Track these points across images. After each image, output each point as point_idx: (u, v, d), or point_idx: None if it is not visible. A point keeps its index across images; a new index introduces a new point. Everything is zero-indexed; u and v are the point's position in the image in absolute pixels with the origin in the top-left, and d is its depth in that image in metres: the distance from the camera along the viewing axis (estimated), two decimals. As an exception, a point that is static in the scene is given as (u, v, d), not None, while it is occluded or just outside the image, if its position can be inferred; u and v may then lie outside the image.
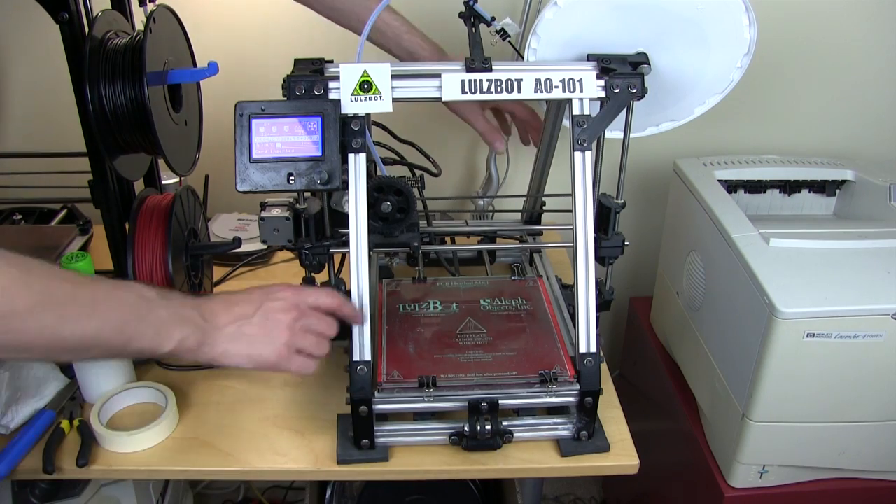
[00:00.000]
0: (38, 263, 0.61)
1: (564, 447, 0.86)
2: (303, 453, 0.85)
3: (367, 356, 0.80)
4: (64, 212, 1.24)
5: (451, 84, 0.82)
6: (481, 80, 0.83)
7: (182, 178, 1.13)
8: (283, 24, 1.28)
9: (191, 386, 0.95)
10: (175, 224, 0.94)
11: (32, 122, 1.34)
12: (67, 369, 0.93)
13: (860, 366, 0.93)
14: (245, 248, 1.11)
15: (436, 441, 0.85)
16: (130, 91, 0.86)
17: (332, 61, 0.83)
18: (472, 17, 0.89)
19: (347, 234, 0.86)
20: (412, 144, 1.12)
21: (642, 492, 1.44)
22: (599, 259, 0.90)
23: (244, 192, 0.77)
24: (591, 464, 0.85)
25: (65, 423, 0.86)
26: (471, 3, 0.89)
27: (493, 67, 0.83)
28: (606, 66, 0.84)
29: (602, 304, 0.95)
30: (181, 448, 0.86)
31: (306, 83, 0.79)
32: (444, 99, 0.83)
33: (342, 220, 0.87)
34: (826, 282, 0.93)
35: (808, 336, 0.90)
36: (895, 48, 1.34)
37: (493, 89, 0.83)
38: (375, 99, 0.80)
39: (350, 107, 0.80)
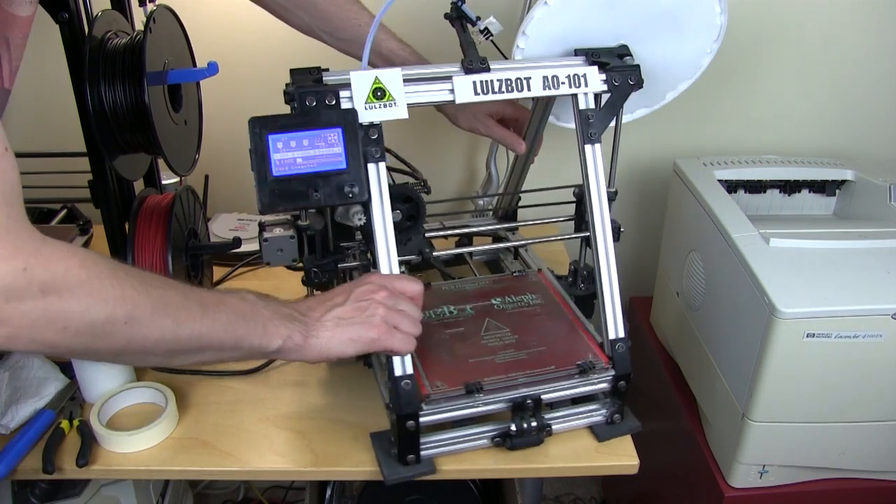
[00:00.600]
0: (148, 273, 0.63)
1: (600, 432, 0.87)
2: (303, 453, 0.85)
3: (410, 369, 0.78)
4: (64, 212, 1.24)
5: (464, 86, 0.82)
6: (492, 81, 0.82)
7: (182, 178, 1.13)
8: (282, 24, 1.28)
9: (191, 386, 0.95)
10: (175, 224, 0.94)
11: (32, 122, 1.34)
12: (67, 369, 0.93)
13: (860, 366, 0.93)
14: (245, 248, 1.11)
15: (479, 445, 0.85)
16: (130, 91, 0.86)
17: (327, 70, 0.81)
18: (459, 17, 0.88)
19: (353, 248, 0.85)
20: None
21: (642, 492, 1.44)
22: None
23: (268, 213, 0.76)
24: (591, 464, 0.85)
25: (65, 423, 0.86)
26: (458, 3, 0.88)
27: (491, 67, 0.83)
28: (597, 59, 0.87)
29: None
30: (181, 448, 0.86)
31: (317, 94, 0.76)
32: (457, 101, 0.82)
33: (345, 233, 0.86)
34: (826, 282, 0.93)
35: (808, 336, 0.90)
36: (895, 48, 1.34)
37: (504, 88, 0.83)
38: (390, 106, 0.78)
39: (365, 115, 0.77)
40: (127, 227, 0.94)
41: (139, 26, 0.91)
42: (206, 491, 1.61)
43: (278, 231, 0.83)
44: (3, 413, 0.86)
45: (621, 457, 0.85)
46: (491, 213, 1.27)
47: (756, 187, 1.23)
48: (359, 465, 0.84)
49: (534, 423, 0.82)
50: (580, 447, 0.86)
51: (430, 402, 0.80)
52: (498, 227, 1.19)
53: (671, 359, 1.28)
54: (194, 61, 1.04)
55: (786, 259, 0.97)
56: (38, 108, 1.33)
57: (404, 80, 0.79)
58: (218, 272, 1.19)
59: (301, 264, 0.85)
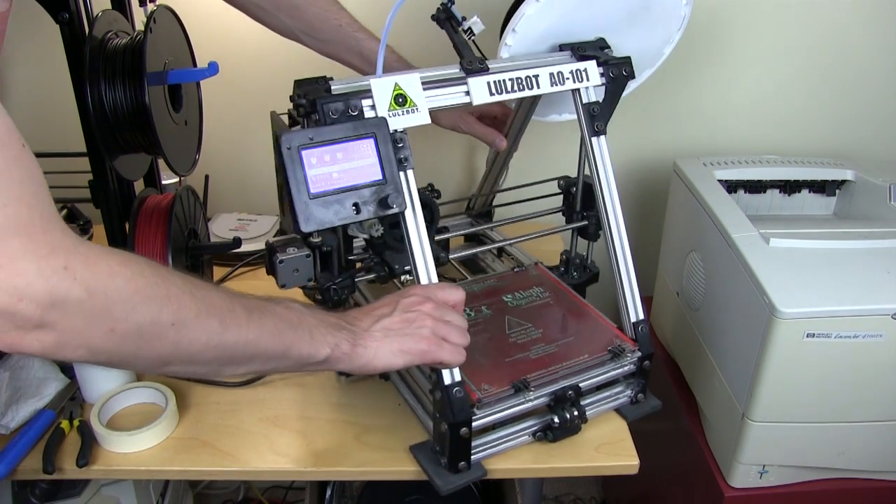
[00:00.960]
0: (189, 275, 0.61)
1: (628, 413, 0.91)
2: (303, 453, 0.85)
3: (459, 376, 0.77)
4: (64, 212, 1.24)
5: (479, 88, 0.82)
6: (505, 80, 0.83)
7: (182, 178, 1.13)
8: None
9: (191, 386, 0.95)
10: (175, 224, 0.94)
11: (32, 122, 1.34)
12: (67, 369, 0.93)
13: (860, 366, 0.93)
14: (245, 248, 1.11)
15: (522, 442, 0.86)
16: (130, 91, 0.86)
17: (332, 79, 0.79)
18: (448, 18, 0.87)
19: (366, 260, 0.85)
20: None
21: (642, 492, 1.44)
22: (589, 234, 1.04)
23: (310, 232, 0.72)
24: (591, 464, 0.85)
25: (65, 423, 0.86)
26: (448, 4, 0.87)
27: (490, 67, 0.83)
28: (584, 53, 0.89)
29: (592, 278, 1.09)
30: (181, 448, 0.86)
31: (341, 104, 0.73)
32: (475, 103, 0.82)
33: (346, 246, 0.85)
34: (826, 282, 0.93)
35: (808, 336, 0.90)
36: (895, 48, 1.34)
37: (515, 87, 0.84)
38: (413, 112, 0.76)
39: (391, 123, 0.76)
40: (127, 227, 0.94)
41: (139, 26, 0.91)
42: (206, 491, 1.61)
43: (292, 251, 0.79)
44: (3, 413, 0.86)
45: (621, 457, 0.86)
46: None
47: (756, 187, 1.23)
48: (359, 465, 0.84)
49: (575, 413, 0.84)
50: (580, 447, 0.86)
51: (482, 406, 0.80)
52: (494, 225, 1.20)
53: (671, 359, 1.28)
54: (194, 61, 1.04)
55: (786, 259, 0.97)
56: (38, 108, 1.34)
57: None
58: (218, 272, 1.19)
59: (314, 284, 0.83)
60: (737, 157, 1.24)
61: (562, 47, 0.91)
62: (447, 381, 0.76)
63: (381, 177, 0.73)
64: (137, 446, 0.85)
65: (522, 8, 0.86)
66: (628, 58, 0.90)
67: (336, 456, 0.85)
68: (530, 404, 0.83)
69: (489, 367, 0.85)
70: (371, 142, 0.73)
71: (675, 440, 1.23)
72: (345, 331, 0.70)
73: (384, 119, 0.74)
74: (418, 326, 0.72)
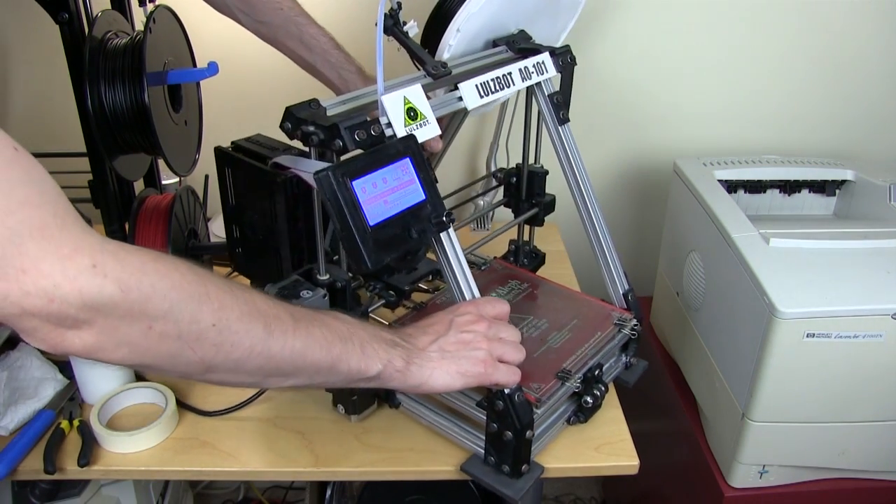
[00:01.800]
0: (230, 280, 0.59)
1: (627, 378, 0.95)
2: (303, 453, 0.85)
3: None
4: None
5: (470, 92, 0.81)
6: (488, 81, 0.84)
7: (182, 178, 1.13)
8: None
9: (191, 386, 0.95)
10: (175, 224, 0.94)
11: (32, 121, 1.34)
12: (66, 369, 0.93)
13: (860, 366, 0.93)
14: (245, 248, 1.10)
15: (558, 430, 0.87)
16: (130, 91, 0.86)
17: (317, 100, 0.74)
18: (396, 24, 0.85)
19: (374, 288, 0.84)
20: None
21: (642, 492, 1.44)
22: (540, 220, 1.08)
23: (375, 270, 0.67)
24: (591, 464, 0.85)
25: (65, 424, 0.86)
26: (396, 10, 0.84)
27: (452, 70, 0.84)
28: (520, 47, 0.92)
29: (540, 262, 1.14)
30: (181, 448, 0.86)
31: (362, 126, 0.68)
32: (469, 108, 0.81)
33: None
34: (826, 282, 0.93)
35: (808, 336, 0.90)
36: (895, 48, 1.34)
37: (497, 87, 0.84)
38: (425, 124, 0.73)
39: None
40: (127, 227, 0.94)
41: (139, 26, 0.91)
42: (206, 491, 1.61)
43: (307, 294, 0.75)
44: (2, 414, 0.86)
45: (621, 457, 0.85)
46: (491, 214, 1.27)
47: (756, 187, 1.23)
48: (359, 465, 0.84)
49: (602, 389, 0.86)
50: (580, 447, 0.86)
51: (541, 405, 0.80)
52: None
53: (671, 359, 1.28)
54: (194, 61, 1.04)
55: (786, 259, 0.97)
56: (38, 108, 1.34)
57: None
58: (218, 272, 1.19)
59: None
60: (737, 157, 1.24)
61: (496, 42, 0.93)
62: (508, 390, 0.74)
63: (423, 196, 0.70)
64: (137, 446, 0.85)
65: (466, 6, 0.86)
66: (568, 46, 0.95)
67: (336, 456, 0.85)
68: (572, 392, 0.84)
69: (525, 366, 0.83)
70: (408, 161, 0.69)
71: (675, 440, 1.23)
72: (399, 347, 0.67)
73: (413, 136, 0.71)
74: (474, 348, 0.70)
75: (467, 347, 0.70)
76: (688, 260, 1.18)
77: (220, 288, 0.55)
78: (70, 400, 0.92)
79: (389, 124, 0.71)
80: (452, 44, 0.88)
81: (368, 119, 0.69)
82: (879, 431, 0.99)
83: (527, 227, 1.12)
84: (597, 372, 0.86)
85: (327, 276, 0.77)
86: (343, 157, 0.68)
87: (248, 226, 0.84)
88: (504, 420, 0.75)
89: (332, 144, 0.67)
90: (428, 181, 0.71)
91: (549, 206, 1.08)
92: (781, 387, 0.94)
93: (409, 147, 0.70)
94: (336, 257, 0.82)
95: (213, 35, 1.23)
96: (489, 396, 0.75)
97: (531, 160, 1.06)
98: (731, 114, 1.40)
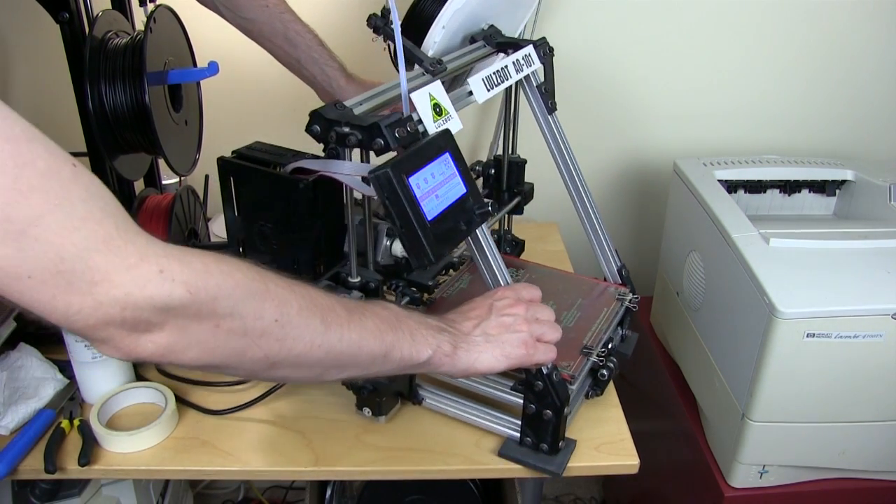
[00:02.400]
0: (285, 276, 0.60)
1: (624, 350, 0.99)
2: (303, 453, 0.85)
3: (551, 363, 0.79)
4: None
5: (479, 87, 0.83)
6: (492, 76, 0.85)
7: (182, 178, 1.13)
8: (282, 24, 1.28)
9: (190, 386, 0.95)
10: (175, 224, 0.94)
11: (32, 121, 1.34)
12: (66, 369, 0.93)
13: (860, 366, 0.93)
14: (245, 248, 1.10)
15: (580, 405, 0.90)
16: (130, 91, 0.86)
17: (341, 102, 0.74)
18: (387, 24, 0.85)
19: (397, 287, 0.84)
20: None
21: (642, 492, 1.44)
22: (520, 209, 1.10)
23: (436, 263, 0.70)
24: (591, 464, 0.85)
25: (65, 423, 0.86)
26: (388, 10, 0.83)
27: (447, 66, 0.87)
28: (499, 41, 0.96)
29: (521, 250, 1.17)
30: (181, 448, 0.86)
31: (400, 124, 0.69)
32: (479, 101, 0.83)
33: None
34: (826, 282, 0.93)
35: (808, 336, 0.90)
36: (895, 48, 1.34)
37: (499, 80, 0.86)
38: (449, 120, 0.75)
39: None
40: (127, 227, 0.94)
41: (139, 26, 0.91)
42: (206, 491, 1.61)
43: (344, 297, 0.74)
44: (2, 414, 0.86)
45: (621, 457, 0.85)
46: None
47: (756, 187, 1.23)
48: (359, 465, 0.84)
49: (615, 361, 0.89)
50: (580, 447, 0.86)
51: (574, 381, 0.84)
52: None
53: (671, 359, 1.28)
54: (194, 61, 1.04)
55: (786, 259, 0.97)
56: (39, 107, 1.34)
57: None
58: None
59: None
60: (737, 157, 1.24)
61: (473, 39, 0.96)
62: (546, 370, 0.78)
63: (465, 189, 0.72)
64: (137, 446, 0.85)
65: (451, 3, 0.88)
66: (545, 38, 0.98)
67: (336, 456, 0.85)
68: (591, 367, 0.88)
69: None
70: (448, 156, 0.71)
71: (675, 440, 1.23)
72: (446, 333, 0.69)
73: (448, 131, 0.73)
74: (515, 331, 0.73)
75: (509, 330, 0.73)
76: (688, 260, 1.18)
77: (280, 284, 0.57)
78: (70, 399, 0.92)
79: (420, 121, 0.72)
80: (437, 41, 0.89)
81: (402, 117, 0.70)
82: (879, 431, 0.99)
83: (506, 217, 1.14)
84: (609, 346, 0.90)
85: (359, 279, 0.78)
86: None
87: (258, 236, 0.83)
88: (543, 400, 0.79)
89: (373, 144, 0.68)
90: (467, 174, 0.73)
91: (529, 194, 1.11)
92: (781, 387, 0.94)
93: (448, 142, 0.72)
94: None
95: (214, 35, 1.22)
96: (527, 378, 0.78)
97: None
98: (731, 114, 1.40)
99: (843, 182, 1.23)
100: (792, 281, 0.92)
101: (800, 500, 1.05)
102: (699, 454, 1.11)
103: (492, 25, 0.98)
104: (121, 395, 0.91)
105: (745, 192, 1.24)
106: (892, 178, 1.16)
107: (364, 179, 0.69)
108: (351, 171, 0.70)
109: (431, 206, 0.68)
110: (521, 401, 0.81)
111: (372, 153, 0.70)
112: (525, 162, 1.08)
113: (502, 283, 0.78)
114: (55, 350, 0.94)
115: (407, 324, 0.67)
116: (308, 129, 0.70)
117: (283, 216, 0.80)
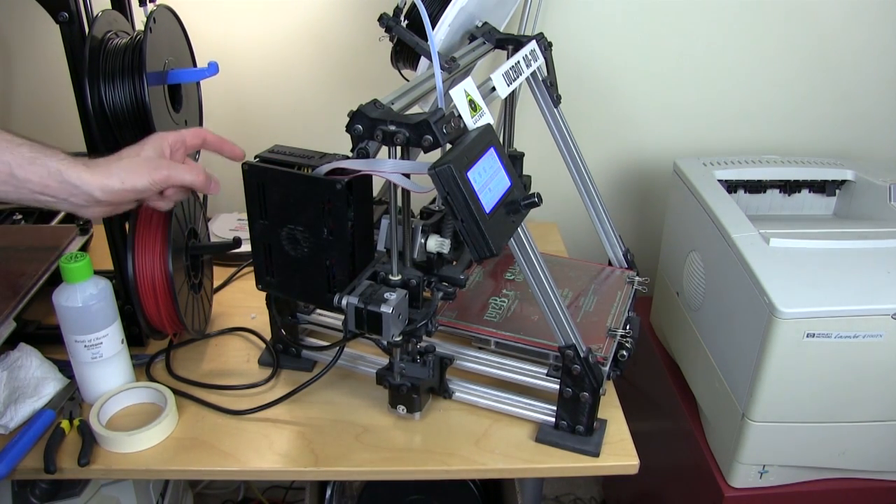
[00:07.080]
0: None
1: (633, 326, 1.01)
2: (303, 453, 0.85)
3: (585, 345, 0.82)
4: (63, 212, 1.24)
5: (500, 82, 0.84)
6: (509, 71, 0.86)
7: (182, 178, 1.12)
8: (282, 24, 1.28)
9: (190, 386, 0.95)
10: (175, 224, 0.94)
11: (32, 121, 1.34)
12: (66, 369, 0.93)
13: (860, 366, 0.93)
14: (245, 248, 1.10)
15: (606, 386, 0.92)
16: (130, 91, 0.86)
17: (378, 100, 0.74)
18: (398, 23, 0.86)
19: (434, 284, 0.83)
20: None
21: (642, 492, 1.44)
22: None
23: (497, 255, 0.69)
24: (591, 464, 0.85)
25: (65, 423, 0.86)
26: (400, 9, 0.85)
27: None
28: (499, 37, 0.98)
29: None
30: (181, 448, 0.86)
31: (445, 122, 0.69)
32: (502, 96, 0.84)
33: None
34: (826, 282, 0.93)
35: (808, 336, 0.90)
36: (895, 48, 1.34)
37: (516, 75, 0.88)
38: (483, 115, 0.75)
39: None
40: (127, 227, 0.94)
41: (139, 26, 0.91)
42: (206, 491, 1.61)
43: (391, 296, 0.74)
44: (2, 413, 0.86)
45: (621, 457, 0.85)
46: None
47: (756, 187, 1.23)
48: (359, 465, 0.84)
49: (633, 341, 0.93)
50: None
51: (606, 363, 0.89)
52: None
53: (671, 359, 1.28)
54: (194, 61, 1.04)
55: (786, 259, 0.97)
56: (39, 107, 1.34)
57: None
58: (218, 272, 1.19)
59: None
60: (737, 157, 1.24)
61: (472, 37, 0.98)
62: (582, 353, 0.81)
63: (510, 182, 0.73)
64: (137, 446, 0.85)
65: (455, 1, 0.89)
66: (542, 33, 1.01)
67: (336, 456, 0.85)
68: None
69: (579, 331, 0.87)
70: (493, 150, 0.72)
71: (675, 440, 1.23)
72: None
73: (491, 126, 0.73)
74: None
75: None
76: (688, 260, 1.18)
77: None
78: (70, 399, 0.92)
79: (459, 117, 0.72)
80: (443, 38, 0.90)
81: (445, 114, 0.69)
82: (879, 431, 0.99)
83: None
84: (627, 327, 0.95)
85: (399, 277, 0.78)
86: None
87: (288, 241, 0.81)
88: (581, 383, 0.82)
89: (423, 141, 0.68)
90: (510, 166, 0.74)
91: (527, 187, 1.13)
92: (781, 387, 0.94)
93: (492, 137, 0.73)
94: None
95: (213, 35, 1.23)
96: (564, 363, 0.82)
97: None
98: (731, 114, 1.40)
99: (843, 182, 1.23)
100: (792, 281, 0.92)
101: (800, 500, 1.05)
102: (699, 454, 1.11)
103: (486, 23, 0.99)
104: (121, 395, 0.91)
105: (745, 192, 1.24)
106: (892, 178, 1.16)
107: (405, 175, 0.70)
108: (393, 168, 0.70)
109: (487, 199, 0.69)
110: (554, 386, 0.85)
111: (397, 150, 0.70)
112: (523, 155, 1.11)
113: (541, 276, 0.79)
114: (55, 350, 0.94)
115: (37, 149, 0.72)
116: (349, 129, 0.70)
117: (317, 218, 0.78)
